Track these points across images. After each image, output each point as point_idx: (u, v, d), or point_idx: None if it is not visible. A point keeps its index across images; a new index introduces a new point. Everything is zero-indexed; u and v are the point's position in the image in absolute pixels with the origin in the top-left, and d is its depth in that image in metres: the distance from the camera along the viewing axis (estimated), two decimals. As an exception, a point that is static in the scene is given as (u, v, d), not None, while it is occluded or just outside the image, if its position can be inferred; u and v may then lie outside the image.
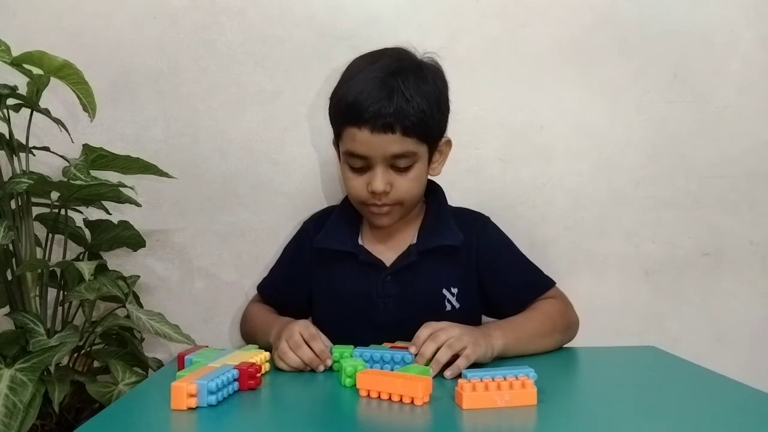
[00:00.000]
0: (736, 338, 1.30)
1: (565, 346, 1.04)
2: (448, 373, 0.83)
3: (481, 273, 1.04)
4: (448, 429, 0.68)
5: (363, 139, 0.93)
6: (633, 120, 1.28)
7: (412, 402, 0.72)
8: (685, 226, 1.29)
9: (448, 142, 1.04)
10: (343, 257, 1.03)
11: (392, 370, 0.83)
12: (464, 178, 1.25)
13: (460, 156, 1.21)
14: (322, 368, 0.87)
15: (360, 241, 1.06)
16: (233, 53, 1.24)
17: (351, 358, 0.84)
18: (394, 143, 0.93)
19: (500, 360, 0.91)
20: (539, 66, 1.27)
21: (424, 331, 0.86)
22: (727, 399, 0.77)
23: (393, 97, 0.91)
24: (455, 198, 1.12)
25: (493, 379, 0.72)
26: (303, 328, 0.89)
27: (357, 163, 0.96)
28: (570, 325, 1.04)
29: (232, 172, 1.25)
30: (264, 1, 1.24)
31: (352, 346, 0.89)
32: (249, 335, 1.10)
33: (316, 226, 1.10)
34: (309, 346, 0.87)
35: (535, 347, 0.97)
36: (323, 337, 0.91)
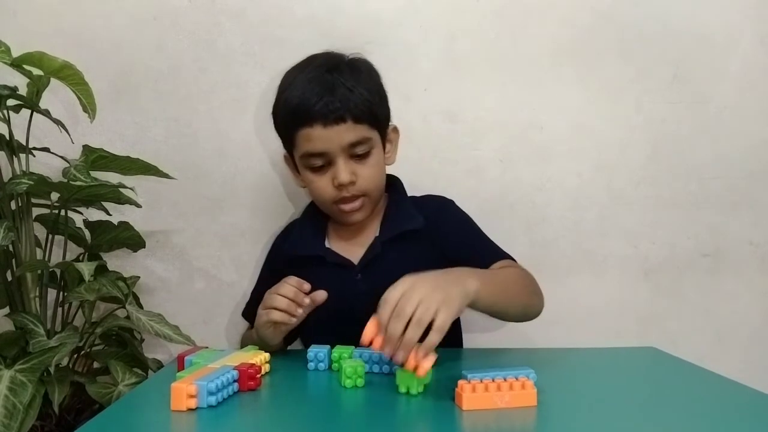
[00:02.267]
0: (736, 339, 1.30)
1: (565, 346, 1.04)
2: (420, 371, 0.73)
3: (441, 248, 1.02)
4: (447, 430, 0.68)
5: (318, 136, 0.94)
6: (633, 120, 1.28)
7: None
8: (684, 226, 1.29)
9: (395, 129, 1.06)
10: (312, 262, 1.03)
11: (392, 370, 0.83)
12: (464, 179, 1.25)
13: (460, 157, 1.22)
14: (306, 300, 0.90)
15: (327, 244, 1.06)
16: (233, 54, 1.24)
17: (351, 359, 0.84)
18: (348, 132, 0.95)
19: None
20: (539, 66, 1.27)
21: (385, 309, 0.75)
22: (727, 399, 0.77)
23: (336, 90, 0.94)
24: (455, 198, 1.12)
25: (493, 380, 0.72)
26: (280, 284, 0.92)
27: (317, 162, 0.97)
28: (536, 291, 1.00)
29: (232, 173, 1.25)
30: (264, 2, 1.24)
31: (352, 347, 0.89)
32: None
33: (284, 238, 1.12)
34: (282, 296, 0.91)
35: (506, 300, 0.91)
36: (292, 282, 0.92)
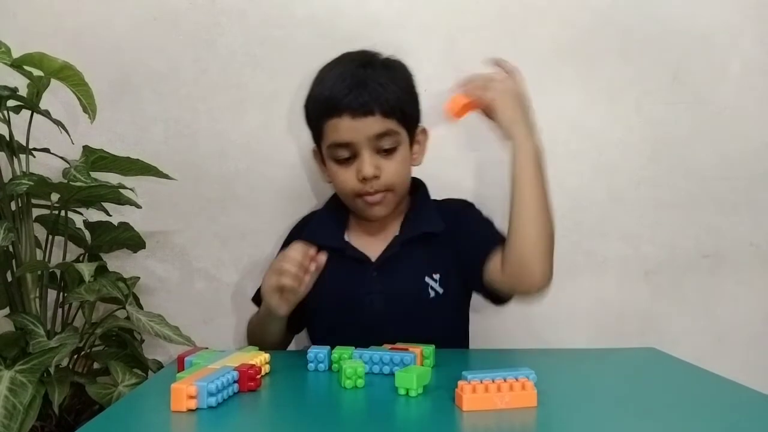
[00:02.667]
0: (736, 339, 1.30)
1: (565, 347, 1.04)
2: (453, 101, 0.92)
3: (457, 248, 1.02)
4: (448, 430, 0.68)
5: (345, 126, 0.95)
6: (633, 121, 1.28)
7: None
8: (685, 227, 1.29)
9: (424, 131, 1.07)
10: (330, 254, 1.03)
11: (392, 371, 0.82)
12: (464, 180, 1.25)
13: (461, 157, 1.21)
14: (313, 266, 0.92)
15: (347, 237, 1.07)
16: (233, 54, 1.24)
17: (350, 360, 0.84)
18: (375, 124, 0.95)
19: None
20: (539, 67, 1.27)
21: (483, 77, 0.95)
22: (727, 400, 0.76)
23: (367, 85, 0.95)
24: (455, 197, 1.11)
25: (493, 381, 0.72)
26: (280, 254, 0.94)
27: (343, 153, 0.98)
28: (552, 254, 0.99)
29: (232, 174, 1.25)
30: (264, 3, 1.24)
31: (352, 348, 0.89)
32: (258, 339, 1.09)
33: (302, 228, 1.12)
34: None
35: (537, 201, 0.97)
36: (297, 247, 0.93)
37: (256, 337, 1.09)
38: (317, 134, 1.02)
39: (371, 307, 1.00)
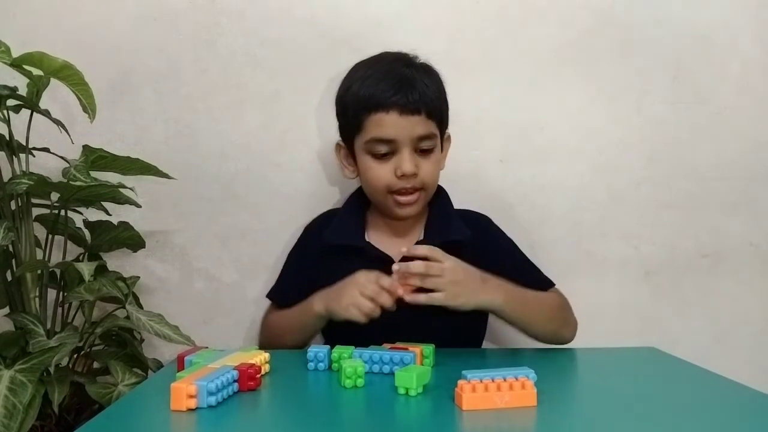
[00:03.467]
0: (736, 339, 1.30)
1: (565, 346, 1.04)
2: (408, 297, 0.90)
3: (484, 268, 1.03)
4: (447, 430, 0.68)
5: (391, 122, 0.97)
6: (633, 121, 1.28)
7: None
8: (685, 227, 1.29)
9: (449, 138, 1.09)
10: (350, 253, 1.04)
11: (392, 371, 0.82)
12: (464, 179, 1.24)
13: (460, 157, 1.21)
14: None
15: (367, 238, 1.07)
16: (233, 54, 1.24)
17: (350, 359, 0.84)
18: (420, 124, 0.97)
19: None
20: (539, 67, 1.27)
21: (425, 251, 0.92)
22: (727, 400, 0.76)
23: (415, 83, 0.97)
24: (455, 198, 1.12)
25: (493, 380, 0.72)
26: (367, 275, 0.93)
27: (382, 149, 0.99)
28: (569, 322, 1.05)
29: (232, 174, 1.25)
30: (264, 3, 1.24)
31: (352, 347, 0.89)
32: (276, 337, 1.08)
33: (320, 226, 1.11)
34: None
35: (531, 322, 1.00)
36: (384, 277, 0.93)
37: (276, 334, 1.09)
38: (353, 128, 1.02)
39: (393, 308, 0.99)
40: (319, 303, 0.97)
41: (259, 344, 1.14)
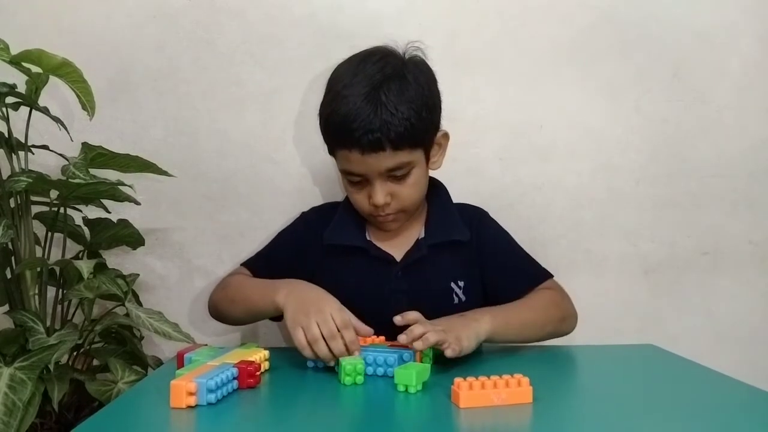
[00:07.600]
0: (735, 337, 1.30)
1: (563, 344, 1.04)
2: (419, 344, 0.82)
3: (481, 264, 1.06)
4: (445, 427, 0.68)
5: (356, 160, 0.94)
6: (632, 119, 1.28)
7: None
8: (684, 225, 1.29)
9: (446, 135, 1.05)
10: (352, 253, 1.04)
11: (392, 368, 0.83)
12: (463, 178, 1.25)
13: (460, 156, 1.21)
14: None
15: (367, 237, 1.07)
16: (233, 53, 1.24)
17: (350, 357, 0.84)
18: (386, 159, 0.94)
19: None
20: (539, 66, 1.27)
21: (415, 316, 0.89)
22: (726, 397, 0.77)
23: (378, 112, 0.91)
24: (454, 197, 1.12)
25: (489, 378, 0.72)
26: (337, 312, 0.86)
27: (355, 179, 0.98)
28: (565, 317, 1.04)
29: (232, 172, 1.25)
30: (263, 1, 1.24)
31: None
32: (228, 301, 1.04)
33: (319, 219, 1.10)
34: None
35: (525, 335, 0.98)
36: (356, 321, 0.88)
37: (229, 297, 1.04)
38: (330, 151, 1.01)
39: (395, 306, 0.99)
40: (282, 295, 0.91)
41: (209, 300, 1.09)
